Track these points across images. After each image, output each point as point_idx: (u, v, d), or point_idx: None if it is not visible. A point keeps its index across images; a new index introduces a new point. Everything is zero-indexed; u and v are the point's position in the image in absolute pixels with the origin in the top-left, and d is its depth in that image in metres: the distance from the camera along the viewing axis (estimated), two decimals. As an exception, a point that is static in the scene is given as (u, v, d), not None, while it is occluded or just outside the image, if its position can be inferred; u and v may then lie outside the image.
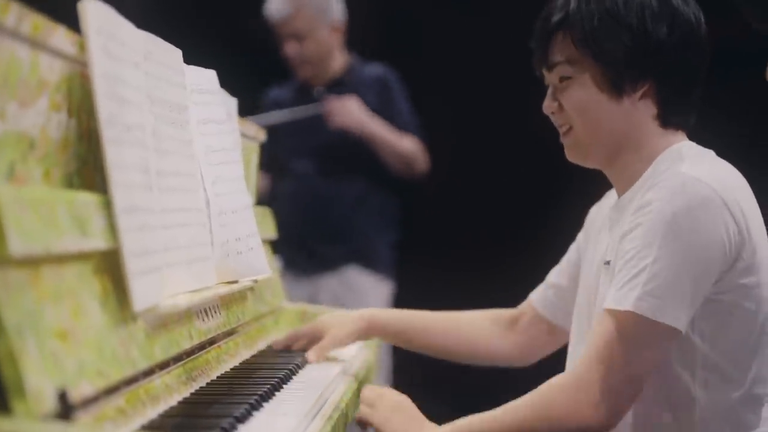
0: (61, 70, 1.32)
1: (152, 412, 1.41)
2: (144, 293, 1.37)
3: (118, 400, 1.32)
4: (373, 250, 3.77)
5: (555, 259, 2.03)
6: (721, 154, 1.71)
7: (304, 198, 3.72)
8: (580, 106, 1.69)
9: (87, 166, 1.42)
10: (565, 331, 1.92)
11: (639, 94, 1.66)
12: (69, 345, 1.18)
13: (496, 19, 4.42)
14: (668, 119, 1.68)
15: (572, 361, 1.80)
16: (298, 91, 3.85)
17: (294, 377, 1.82)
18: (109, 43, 1.37)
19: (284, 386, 1.73)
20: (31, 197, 1.15)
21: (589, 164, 1.76)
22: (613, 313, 1.54)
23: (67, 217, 1.22)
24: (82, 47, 1.34)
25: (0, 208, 1.07)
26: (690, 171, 1.58)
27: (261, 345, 2.10)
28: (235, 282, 1.82)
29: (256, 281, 1.90)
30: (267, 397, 1.61)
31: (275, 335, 2.25)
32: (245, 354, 1.97)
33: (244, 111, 2.22)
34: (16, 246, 1.08)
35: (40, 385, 1.08)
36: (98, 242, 1.30)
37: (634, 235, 1.57)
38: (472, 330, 2.06)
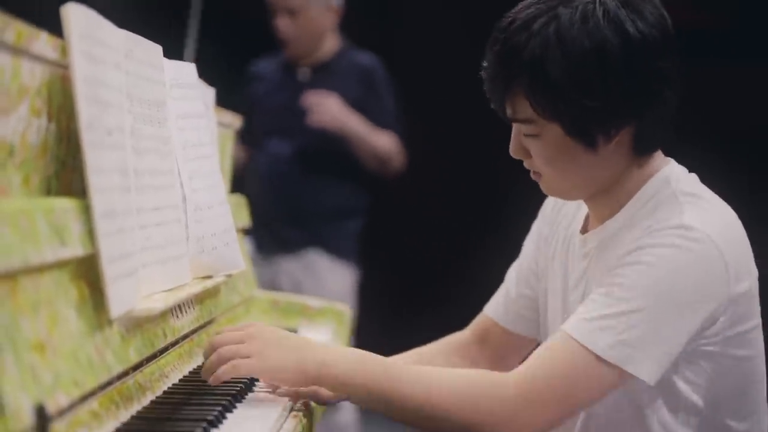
0: (42, 74, 1.31)
1: (125, 414, 1.42)
2: (120, 298, 1.37)
3: (92, 404, 1.32)
4: (336, 235, 3.75)
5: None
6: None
7: (273, 179, 3.69)
8: (549, 162, 1.56)
9: (65, 168, 1.41)
10: (535, 339, 1.86)
11: (614, 141, 1.54)
12: (46, 357, 1.18)
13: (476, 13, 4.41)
14: (644, 152, 1.58)
15: None
16: (282, 68, 3.81)
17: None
18: (92, 47, 1.36)
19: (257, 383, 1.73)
20: (9, 210, 1.15)
21: (567, 200, 1.73)
22: (577, 346, 1.47)
23: (46, 227, 1.22)
24: (64, 51, 1.33)
25: (-20, 223, 1.06)
26: (696, 223, 1.50)
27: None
28: (210, 277, 1.82)
29: (230, 276, 1.90)
30: (241, 396, 1.62)
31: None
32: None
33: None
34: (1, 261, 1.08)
35: (18, 401, 1.08)
36: (76, 249, 1.29)
37: (620, 272, 1.50)
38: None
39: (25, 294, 1.17)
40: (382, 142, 3.68)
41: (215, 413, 1.47)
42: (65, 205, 1.30)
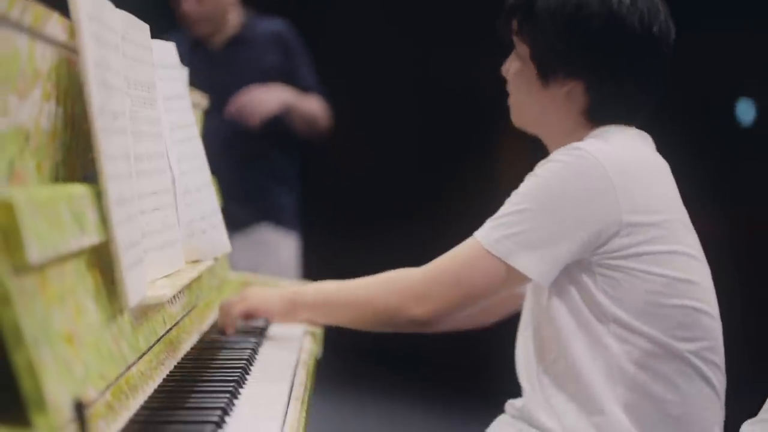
0: (52, 57, 1.27)
1: (135, 404, 1.38)
2: (135, 287, 1.34)
3: (106, 396, 1.29)
4: (280, 206, 3.73)
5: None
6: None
7: (210, 157, 3.62)
8: (515, 82, 1.80)
9: (71, 153, 1.37)
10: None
11: (565, 89, 1.73)
12: (76, 349, 1.15)
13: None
14: (597, 118, 1.74)
15: (523, 329, 1.84)
16: (191, 47, 3.73)
17: (257, 356, 1.81)
18: (99, 29, 1.32)
19: (252, 367, 1.71)
20: (38, 198, 1.11)
21: (529, 132, 1.84)
22: (474, 241, 1.70)
23: (69, 215, 1.18)
24: (71, 33, 1.28)
25: (16, 214, 1.02)
26: (587, 146, 1.66)
27: (211, 318, 2.08)
28: (199, 261, 1.79)
29: (216, 259, 1.87)
30: (242, 381, 1.60)
31: (221, 305, 2.23)
32: (201, 329, 1.94)
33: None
34: (34, 253, 1.04)
35: (57, 396, 1.05)
36: (93, 237, 1.26)
37: (521, 185, 1.70)
38: None
39: (53, 285, 1.13)
40: (312, 106, 3.67)
41: (224, 401, 1.45)
42: (81, 191, 1.26)
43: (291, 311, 1.89)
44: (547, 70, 1.73)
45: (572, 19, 1.69)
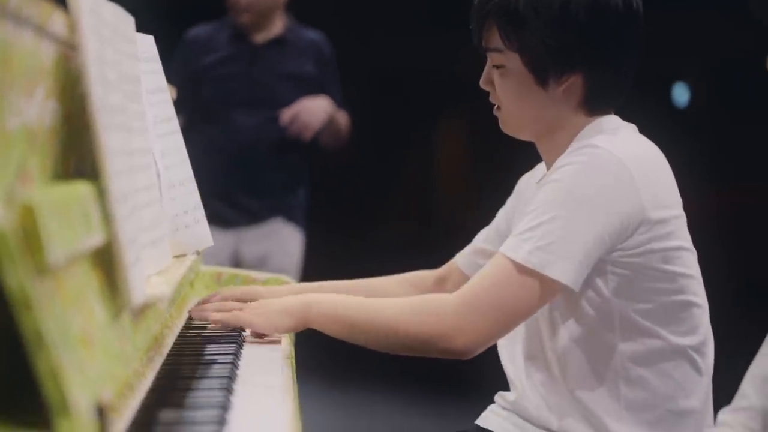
0: (53, 54, 1.24)
1: (133, 404, 1.37)
2: (137, 285, 1.32)
3: (113, 397, 1.27)
4: (293, 203, 3.81)
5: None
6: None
7: (231, 150, 3.65)
8: (507, 94, 1.74)
9: (66, 150, 1.34)
10: None
11: (564, 86, 1.70)
12: (91, 351, 1.13)
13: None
14: (594, 107, 1.73)
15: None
16: (233, 39, 3.73)
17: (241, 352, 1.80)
18: (97, 23, 1.30)
19: (239, 362, 1.70)
20: (54, 199, 1.09)
21: (521, 138, 1.82)
22: (505, 259, 1.62)
23: (80, 215, 1.17)
24: (71, 28, 1.26)
25: (36, 216, 1.00)
26: (602, 143, 1.64)
27: (186, 312, 2.06)
28: (184, 255, 1.77)
29: (198, 253, 1.85)
30: (233, 377, 1.59)
31: (194, 299, 2.21)
32: (179, 324, 1.92)
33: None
34: (54, 255, 1.02)
35: (79, 399, 1.04)
36: (98, 236, 1.24)
37: (539, 193, 1.66)
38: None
39: (68, 287, 1.11)
40: (343, 121, 3.74)
41: (220, 397, 1.44)
42: (87, 190, 1.24)
43: (301, 324, 1.75)
44: (545, 72, 1.69)
45: (562, 15, 1.66)
